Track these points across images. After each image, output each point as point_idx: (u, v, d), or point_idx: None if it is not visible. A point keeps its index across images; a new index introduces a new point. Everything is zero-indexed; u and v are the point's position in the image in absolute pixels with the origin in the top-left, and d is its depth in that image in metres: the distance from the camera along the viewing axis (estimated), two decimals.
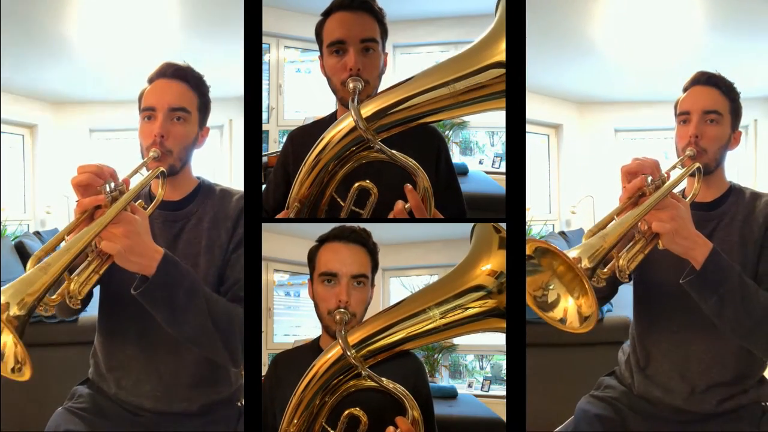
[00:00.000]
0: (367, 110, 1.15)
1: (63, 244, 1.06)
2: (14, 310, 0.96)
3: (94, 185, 1.12)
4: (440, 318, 1.17)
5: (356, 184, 1.19)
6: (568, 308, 1.11)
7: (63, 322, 2.41)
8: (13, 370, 0.98)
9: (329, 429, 1.17)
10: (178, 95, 1.32)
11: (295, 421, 1.15)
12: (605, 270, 1.12)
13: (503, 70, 1.13)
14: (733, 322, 1.22)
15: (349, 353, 1.14)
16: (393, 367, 1.17)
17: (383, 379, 1.14)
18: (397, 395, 1.14)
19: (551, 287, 1.12)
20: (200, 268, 1.32)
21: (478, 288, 1.18)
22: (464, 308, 1.17)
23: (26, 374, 0.97)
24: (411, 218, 1.16)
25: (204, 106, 1.37)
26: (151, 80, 1.35)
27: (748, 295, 1.21)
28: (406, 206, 1.14)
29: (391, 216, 1.16)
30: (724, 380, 1.35)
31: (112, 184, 1.14)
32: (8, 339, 0.97)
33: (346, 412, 1.15)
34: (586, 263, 1.06)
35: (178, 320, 1.21)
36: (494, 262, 1.18)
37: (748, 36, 3.49)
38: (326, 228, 1.28)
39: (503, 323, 1.17)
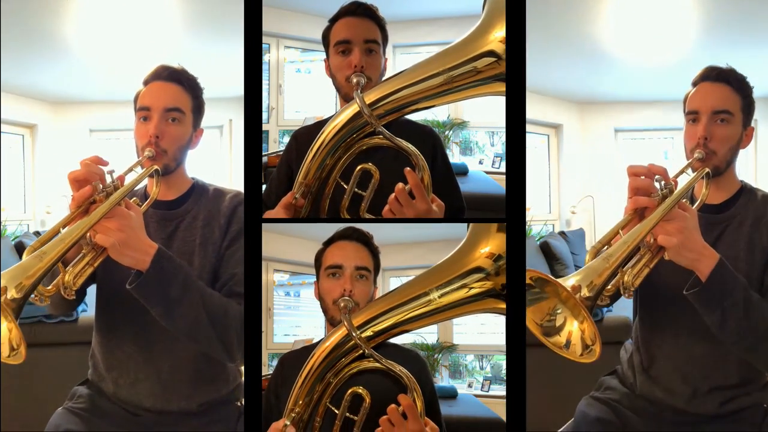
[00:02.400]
0: (370, 97, 1.23)
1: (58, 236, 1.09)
2: (12, 293, 1.00)
3: (90, 180, 1.14)
4: (439, 299, 1.20)
5: (359, 167, 1.24)
6: (573, 332, 1.10)
7: (63, 322, 2.42)
8: (9, 355, 1.03)
9: (333, 409, 1.19)
10: (172, 97, 1.35)
11: (300, 401, 1.18)
12: (609, 287, 1.09)
13: (492, 59, 1.20)
14: (735, 336, 1.20)
15: (354, 333, 1.18)
16: None
17: (383, 358, 1.18)
18: (398, 374, 1.17)
19: (558, 311, 1.11)
20: (195, 266, 1.34)
21: (477, 270, 1.19)
22: (465, 288, 1.19)
23: (22, 356, 1.02)
24: (412, 219, 1.18)
25: (198, 108, 1.40)
26: (146, 82, 1.37)
27: (752, 308, 1.19)
28: (406, 187, 1.18)
29: (392, 197, 1.18)
30: (727, 384, 1.33)
31: (108, 179, 1.17)
32: (3, 325, 1.02)
33: (350, 390, 1.19)
34: (585, 292, 1.03)
35: (173, 314, 1.22)
36: (493, 245, 1.20)
37: (748, 36, 3.49)
38: (326, 228, 1.34)
39: (502, 304, 1.19)
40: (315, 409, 1.20)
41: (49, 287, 1.08)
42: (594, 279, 1.05)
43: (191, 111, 1.37)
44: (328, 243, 1.33)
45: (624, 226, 1.14)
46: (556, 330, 1.11)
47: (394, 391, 1.17)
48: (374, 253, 1.33)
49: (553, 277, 1.07)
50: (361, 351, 1.18)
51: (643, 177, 1.17)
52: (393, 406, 1.14)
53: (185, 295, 1.22)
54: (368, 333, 1.19)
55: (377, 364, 1.18)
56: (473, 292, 1.19)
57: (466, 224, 1.25)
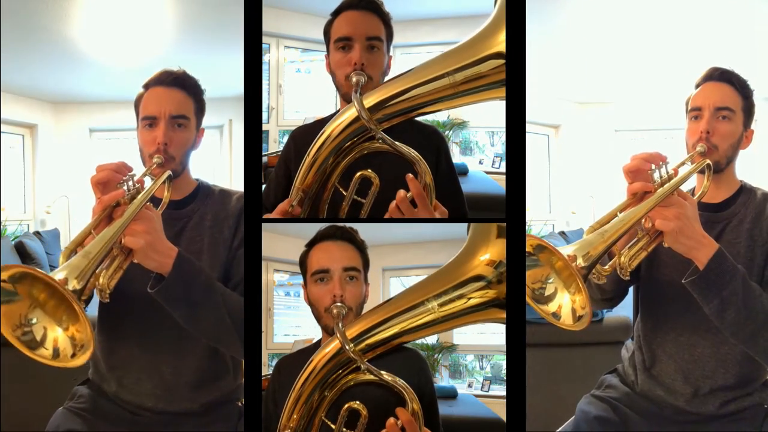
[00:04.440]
0: (370, 101, 1.17)
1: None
2: (73, 284, 0.98)
3: (114, 182, 1.15)
4: (439, 309, 1.16)
5: (358, 173, 1.20)
6: (563, 305, 1.11)
7: None
8: (74, 355, 0.99)
9: (329, 423, 1.16)
10: (177, 103, 1.34)
11: (294, 416, 1.15)
12: (606, 267, 1.12)
13: (502, 61, 1.14)
14: (734, 326, 1.20)
15: (347, 347, 1.13)
16: (396, 365, 1.17)
17: (382, 372, 1.14)
18: (396, 388, 1.14)
19: (550, 281, 1.12)
20: (203, 266, 1.33)
21: (477, 278, 1.16)
22: (464, 298, 1.16)
23: (89, 349, 0.98)
24: (412, 219, 1.16)
25: (200, 110, 1.40)
26: (147, 86, 1.36)
27: (751, 298, 1.19)
28: (408, 195, 1.15)
29: (392, 205, 1.15)
30: (728, 384, 1.34)
31: (131, 182, 1.17)
32: (57, 333, 0.99)
33: (346, 405, 1.15)
34: (580, 262, 1.05)
35: (197, 316, 1.23)
36: (493, 251, 1.16)
37: (747, 36, 3.49)
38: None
39: (503, 314, 1.15)
40: (311, 422, 1.16)
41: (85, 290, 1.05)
42: (590, 250, 1.07)
43: (194, 115, 1.38)
44: (311, 245, 1.28)
45: (623, 209, 1.16)
46: (546, 299, 1.13)
47: (392, 401, 1.14)
48: (361, 249, 1.28)
49: (552, 245, 1.08)
50: (357, 364, 1.14)
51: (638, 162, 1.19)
52: (392, 420, 1.11)
53: (207, 296, 1.22)
54: (362, 346, 1.15)
55: (374, 377, 1.14)
56: (474, 302, 1.16)
57: (466, 225, 1.24)
